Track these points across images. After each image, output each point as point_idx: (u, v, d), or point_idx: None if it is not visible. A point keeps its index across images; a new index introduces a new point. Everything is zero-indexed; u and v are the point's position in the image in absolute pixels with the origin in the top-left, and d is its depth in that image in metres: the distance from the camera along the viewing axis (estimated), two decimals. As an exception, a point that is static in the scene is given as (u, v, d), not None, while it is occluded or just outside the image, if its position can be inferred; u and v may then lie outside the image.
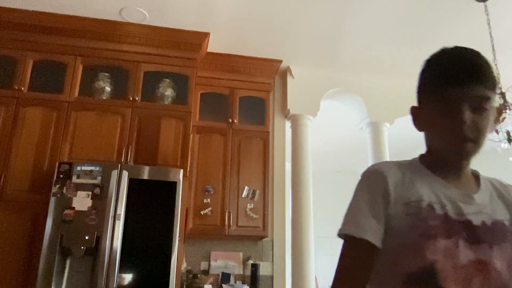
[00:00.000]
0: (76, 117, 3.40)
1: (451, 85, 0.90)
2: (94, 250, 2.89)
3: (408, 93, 4.54)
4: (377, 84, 4.50)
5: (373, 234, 0.89)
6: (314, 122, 4.35)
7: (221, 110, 4.04)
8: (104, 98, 3.56)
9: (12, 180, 3.15)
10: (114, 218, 2.97)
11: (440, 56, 0.96)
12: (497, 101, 0.94)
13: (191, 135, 3.61)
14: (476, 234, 0.87)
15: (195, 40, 3.73)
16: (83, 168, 3.07)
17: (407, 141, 6.79)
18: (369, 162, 4.42)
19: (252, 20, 3.59)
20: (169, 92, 3.71)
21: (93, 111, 3.44)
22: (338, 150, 7.08)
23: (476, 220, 0.89)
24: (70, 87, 3.47)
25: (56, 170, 3.05)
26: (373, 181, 0.96)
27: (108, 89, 3.60)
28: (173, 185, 3.16)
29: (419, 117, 1.01)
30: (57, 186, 3.00)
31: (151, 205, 3.13)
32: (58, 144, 3.30)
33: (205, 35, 3.73)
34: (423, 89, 0.98)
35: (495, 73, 0.93)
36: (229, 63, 4.10)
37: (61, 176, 3.03)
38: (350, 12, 3.45)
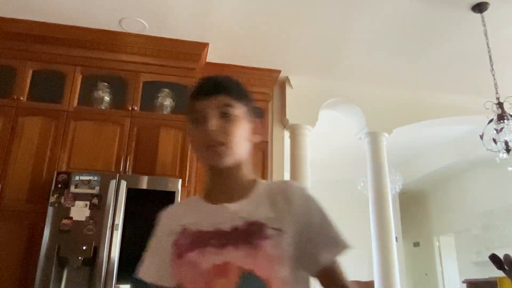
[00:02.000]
0: (75, 127, 3.40)
1: (197, 98, 1.00)
2: (92, 261, 2.87)
3: (406, 103, 4.60)
4: (375, 94, 4.52)
5: (143, 272, 1.04)
6: (313, 132, 4.36)
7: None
8: (103, 107, 3.57)
9: (10, 190, 3.14)
10: (112, 228, 2.95)
11: (196, 83, 1.06)
12: (248, 112, 1.04)
13: (190, 145, 3.61)
14: (225, 239, 0.92)
15: (194, 50, 3.75)
16: (81, 177, 3.07)
17: (406, 151, 6.81)
18: (368, 172, 4.42)
19: (251, 31, 3.61)
20: (168, 102, 3.72)
21: (92, 121, 3.44)
22: (337, 160, 7.08)
23: (226, 226, 0.94)
24: (69, 96, 3.47)
25: (54, 179, 3.04)
26: (157, 222, 1.10)
27: (107, 98, 3.61)
28: (171, 195, 3.15)
29: (188, 137, 1.08)
30: (55, 195, 2.99)
31: (150, 215, 3.11)
32: (57, 154, 3.29)
33: (204, 45, 3.75)
34: (186, 114, 1.07)
35: (244, 90, 1.06)
36: (228, 73, 4.05)
37: (59, 185, 3.03)
38: (348, 22, 3.48)
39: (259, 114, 1.08)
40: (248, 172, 1.06)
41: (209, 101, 0.99)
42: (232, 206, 0.98)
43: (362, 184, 6.32)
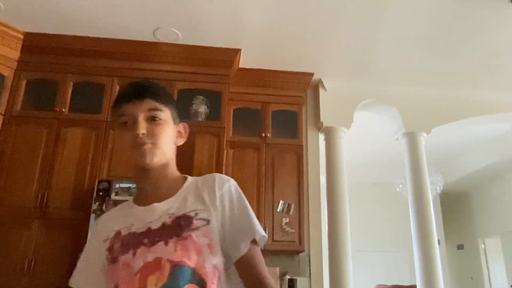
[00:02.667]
0: (114, 136, 3.49)
1: (125, 101, 1.03)
2: (133, 266, 2.94)
3: (445, 102, 4.46)
4: (411, 93, 4.41)
5: (74, 278, 1.04)
6: (348, 134, 4.30)
7: (254, 125, 4.06)
8: (140, 116, 3.65)
9: (54, 198, 3.27)
10: (152, 234, 3.01)
11: (122, 87, 1.10)
12: (174, 116, 1.10)
13: (225, 151, 3.64)
14: (155, 237, 0.95)
15: (226, 56, 3.79)
16: (121, 185, 3.15)
17: (446, 151, 6.60)
18: (407, 174, 4.32)
19: (283, 34, 3.61)
20: (202, 109, 3.77)
21: (130, 130, 3.52)
22: (374, 162, 6.95)
23: (156, 224, 0.97)
24: (107, 107, 3.58)
25: (95, 187, 3.14)
26: (92, 230, 1.13)
27: (143, 107, 3.69)
28: (208, 201, 3.17)
29: (118, 142, 1.09)
30: (97, 203, 3.09)
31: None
32: (97, 162, 3.40)
33: (237, 51, 3.78)
34: (111, 117, 1.07)
35: (169, 95, 1.11)
36: (261, 78, 4.13)
37: (101, 193, 3.12)
38: (381, 21, 3.42)
39: (182, 118, 1.15)
40: (174, 172, 1.10)
41: (137, 104, 1.03)
42: (161, 205, 1.02)
43: (401, 186, 6.18)
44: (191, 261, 0.92)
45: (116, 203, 3.07)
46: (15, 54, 3.58)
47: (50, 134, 3.45)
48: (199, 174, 3.69)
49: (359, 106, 4.32)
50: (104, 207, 3.07)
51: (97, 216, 3.04)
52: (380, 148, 6.19)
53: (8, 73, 3.53)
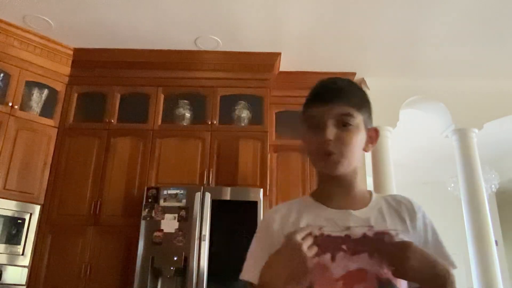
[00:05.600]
0: (160, 144, 3.59)
1: (316, 104, 0.99)
2: (183, 270, 3.00)
3: (497, 95, 4.25)
4: (460, 87, 4.23)
5: (250, 272, 0.96)
6: (394, 134, 4.19)
7: (297, 128, 4.02)
8: (185, 124, 3.74)
9: (106, 206, 3.40)
10: (200, 239, 3.06)
11: (315, 85, 1.05)
12: (366, 121, 1.02)
13: (269, 155, 3.65)
14: (356, 246, 0.91)
15: (267, 61, 3.80)
16: (169, 192, 3.23)
17: (500, 147, 6.28)
18: (459, 172, 4.14)
19: (322, 36, 3.57)
20: (245, 114, 3.80)
21: (176, 137, 3.62)
22: (423, 161, 6.72)
23: (356, 233, 0.93)
24: (153, 116, 3.69)
25: (145, 194, 3.24)
26: (263, 222, 1.05)
27: (188, 115, 3.77)
28: (254, 205, 3.19)
29: (302, 141, 1.06)
30: (147, 210, 3.18)
31: (234, 225, 3.19)
32: (146, 170, 3.50)
33: (277, 55, 3.78)
34: (301, 115, 1.06)
35: (364, 97, 1.04)
36: (302, 80, 4.10)
37: (150, 200, 3.21)
38: (423, 14, 3.30)
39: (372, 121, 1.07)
40: (361, 181, 1.05)
41: (328, 108, 0.98)
42: (357, 213, 0.97)
43: (452, 184, 5.95)
44: (397, 282, 0.90)
45: (165, 209, 3.15)
46: (66, 69, 3.77)
47: (100, 144, 3.59)
48: (245, 179, 3.70)
49: (405, 104, 4.20)
50: (153, 214, 3.15)
51: (147, 222, 3.13)
52: (428, 146, 5.97)
53: (61, 88, 3.72)
